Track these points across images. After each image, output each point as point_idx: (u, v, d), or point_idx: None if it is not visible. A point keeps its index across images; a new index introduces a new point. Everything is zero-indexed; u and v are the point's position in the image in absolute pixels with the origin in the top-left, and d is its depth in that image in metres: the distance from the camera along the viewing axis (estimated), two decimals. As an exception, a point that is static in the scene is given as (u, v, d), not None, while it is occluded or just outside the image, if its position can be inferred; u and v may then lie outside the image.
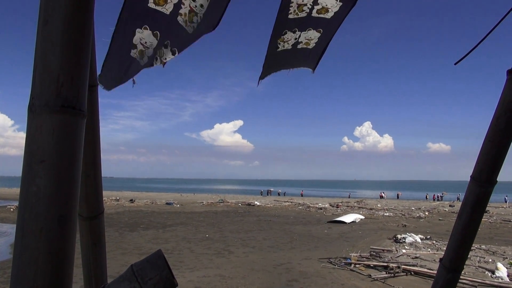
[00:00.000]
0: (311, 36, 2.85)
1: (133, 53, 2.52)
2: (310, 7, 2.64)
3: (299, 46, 2.92)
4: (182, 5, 2.35)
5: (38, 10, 1.22)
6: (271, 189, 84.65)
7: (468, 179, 2.16)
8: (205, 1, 2.36)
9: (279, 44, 2.88)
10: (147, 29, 2.42)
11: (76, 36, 1.15)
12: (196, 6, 2.36)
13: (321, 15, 2.69)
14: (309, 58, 3.00)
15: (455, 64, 2.03)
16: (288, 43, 2.88)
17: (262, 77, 3.04)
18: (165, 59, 2.61)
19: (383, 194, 71.75)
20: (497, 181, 2.10)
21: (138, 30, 2.43)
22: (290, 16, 2.68)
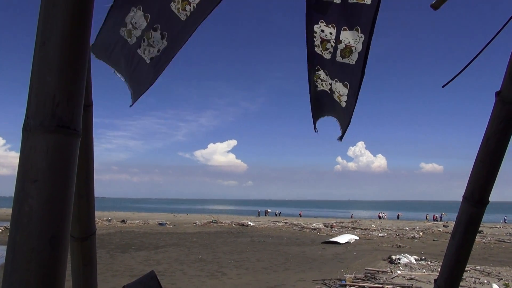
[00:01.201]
0: (340, 91, 2.75)
1: (122, 31, 2.47)
2: (333, 44, 2.59)
3: (335, 97, 2.83)
4: None
5: (36, 31, 1.24)
6: (269, 210, 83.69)
7: (461, 199, 2.18)
8: None
9: (317, 82, 2.85)
10: (140, 10, 2.39)
11: (73, 57, 1.16)
12: None
13: (345, 60, 2.60)
14: (344, 118, 2.85)
15: (443, 86, 2.08)
16: (325, 84, 2.82)
17: (314, 121, 2.99)
18: (153, 42, 2.49)
19: (381, 215, 70.80)
20: (489, 201, 2.11)
21: (132, 8, 2.40)
22: (317, 51, 2.66)
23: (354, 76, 2.59)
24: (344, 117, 2.82)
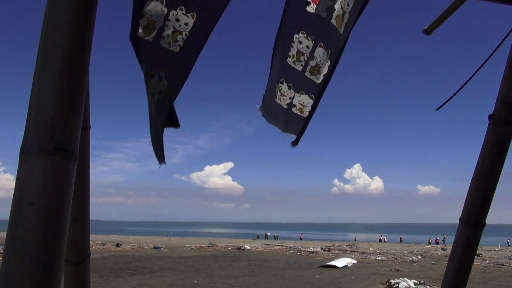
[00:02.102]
0: (305, 102, 2.82)
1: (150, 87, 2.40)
2: (306, 59, 2.66)
3: (294, 110, 2.89)
4: (165, 28, 2.24)
5: (36, 55, 1.27)
6: (268, 233, 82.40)
7: (458, 221, 2.18)
8: (190, 20, 2.25)
9: (277, 93, 2.88)
10: (142, 63, 2.31)
11: (72, 81, 1.18)
12: (180, 26, 2.26)
13: (312, 78, 2.70)
14: (300, 128, 2.93)
15: (437, 109, 2.11)
16: (284, 99, 2.87)
17: (262, 110, 3.03)
18: (154, 88, 2.39)
19: (382, 238, 69.52)
20: (486, 224, 2.11)
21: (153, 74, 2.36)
22: (289, 61, 2.70)
23: (318, 93, 2.73)
24: (303, 125, 2.91)
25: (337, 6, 2.46)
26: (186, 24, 2.25)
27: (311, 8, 2.51)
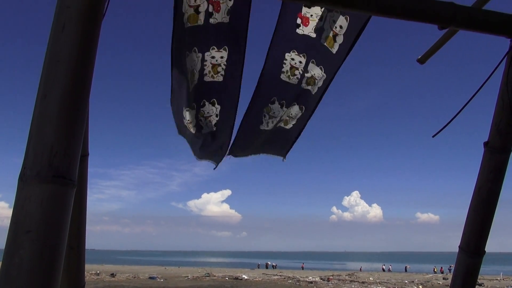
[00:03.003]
0: (293, 114, 2.94)
1: (184, 129, 2.90)
2: (301, 72, 2.77)
3: (279, 125, 2.99)
4: (204, 67, 2.63)
5: (38, 84, 1.29)
6: (268, 262, 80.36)
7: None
8: (224, 53, 2.61)
9: (265, 117, 2.92)
10: (188, 109, 2.79)
11: (72, 110, 1.20)
12: (217, 60, 2.63)
13: (309, 88, 2.82)
14: (283, 141, 3.08)
15: (433, 136, 2.13)
16: (272, 121, 2.93)
17: (231, 154, 3.06)
18: (216, 115, 2.83)
19: (385, 267, 67.41)
20: (485, 251, 2.09)
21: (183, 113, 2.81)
22: (283, 77, 2.78)
23: (312, 102, 2.87)
24: (285, 138, 3.06)
25: (326, 27, 2.58)
26: (222, 57, 2.62)
27: (301, 30, 2.63)
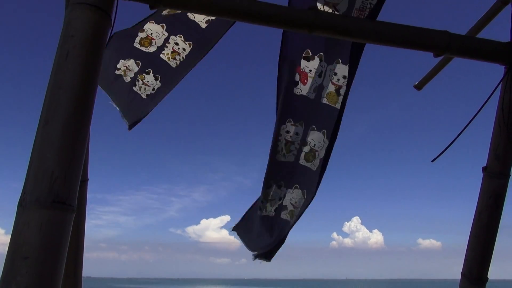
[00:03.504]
0: (296, 202, 2.62)
1: (118, 70, 2.73)
2: (297, 147, 2.56)
3: (282, 215, 2.65)
4: (165, 47, 2.62)
5: (41, 111, 1.31)
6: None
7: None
8: (187, 46, 2.62)
9: (264, 203, 2.65)
10: (130, 59, 2.68)
11: (73, 136, 1.21)
12: (179, 48, 2.63)
13: (308, 165, 2.57)
14: (280, 234, 2.66)
15: (432, 161, 2.14)
16: (269, 206, 2.65)
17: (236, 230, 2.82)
18: (148, 82, 2.75)
19: None
20: (488, 278, 2.06)
21: (121, 60, 2.68)
22: (278, 158, 2.58)
23: (312, 182, 2.51)
24: (283, 231, 2.66)
25: (326, 83, 2.44)
26: (184, 49, 2.64)
27: (298, 90, 2.49)
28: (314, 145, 2.52)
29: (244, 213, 2.86)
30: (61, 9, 1.62)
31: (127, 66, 2.71)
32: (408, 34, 1.85)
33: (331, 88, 2.44)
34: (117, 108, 2.86)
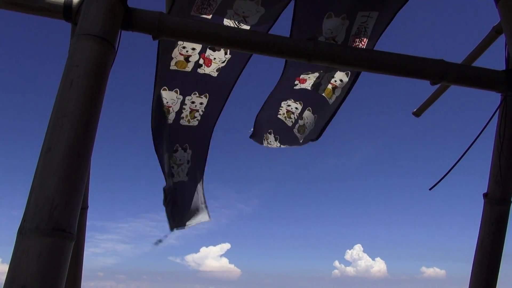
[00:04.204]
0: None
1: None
2: (296, 117, 2.90)
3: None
4: (182, 110, 2.64)
5: (44, 138, 1.33)
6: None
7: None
8: (204, 99, 2.65)
9: (264, 141, 3.06)
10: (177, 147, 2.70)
11: (75, 164, 1.23)
12: (195, 105, 2.66)
13: (298, 135, 2.96)
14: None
15: (430, 189, 2.14)
16: (270, 146, 3.08)
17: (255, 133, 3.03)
18: (188, 161, 2.76)
19: None
20: (494, 308, 2.02)
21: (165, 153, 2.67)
22: (279, 117, 2.93)
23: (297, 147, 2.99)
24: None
25: (324, 81, 2.68)
26: (201, 103, 2.66)
27: (298, 87, 2.76)
28: (306, 122, 2.86)
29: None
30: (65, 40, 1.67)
31: (176, 156, 2.75)
32: (405, 63, 1.89)
33: (327, 85, 2.71)
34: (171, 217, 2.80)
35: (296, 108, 2.89)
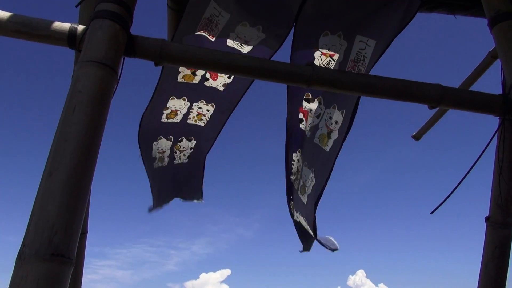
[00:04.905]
0: (303, 223, 2.79)
1: (156, 162, 2.78)
2: (298, 178, 2.76)
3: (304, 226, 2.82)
4: (190, 113, 2.71)
5: (45, 163, 1.34)
6: None
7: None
8: (210, 107, 2.73)
9: (292, 210, 2.90)
10: (162, 139, 2.72)
11: (76, 188, 1.23)
12: (202, 111, 2.74)
13: (301, 196, 2.73)
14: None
15: (431, 213, 2.12)
16: (293, 214, 2.89)
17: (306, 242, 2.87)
18: (183, 147, 2.83)
19: None
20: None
21: (154, 143, 2.70)
22: (292, 178, 2.86)
23: (306, 216, 2.65)
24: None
25: (321, 125, 2.58)
26: (208, 110, 2.75)
27: (303, 125, 2.72)
28: (306, 180, 2.65)
29: None
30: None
31: (161, 149, 2.80)
32: (403, 87, 1.91)
33: (324, 130, 2.56)
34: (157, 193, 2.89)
35: (298, 160, 2.80)
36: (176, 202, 3.03)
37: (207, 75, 2.55)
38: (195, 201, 3.07)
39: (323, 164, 2.48)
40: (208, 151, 2.96)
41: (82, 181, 1.25)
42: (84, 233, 2.02)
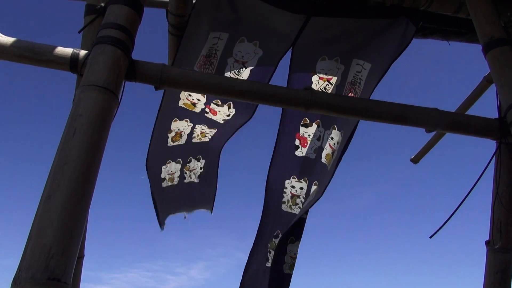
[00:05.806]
0: (295, 253, 2.65)
1: (164, 182, 2.75)
2: (303, 200, 2.64)
3: (284, 270, 2.63)
4: (194, 132, 2.70)
5: (44, 186, 1.34)
6: None
7: None
8: (213, 130, 2.73)
9: (269, 253, 2.66)
10: (170, 162, 2.71)
11: (74, 212, 1.23)
12: (205, 131, 2.74)
13: (304, 216, 2.64)
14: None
15: (431, 237, 2.11)
16: (271, 256, 2.65)
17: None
18: (193, 167, 2.83)
19: None
20: None
21: (163, 167, 2.68)
22: (284, 208, 2.64)
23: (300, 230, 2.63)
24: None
25: (325, 145, 2.58)
26: (210, 132, 2.75)
27: (300, 152, 2.63)
28: (312, 199, 2.58)
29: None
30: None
31: (171, 171, 2.79)
32: (400, 111, 1.94)
33: (328, 150, 2.59)
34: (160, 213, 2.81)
35: (301, 188, 2.66)
36: (173, 225, 2.99)
37: (207, 109, 2.58)
38: (203, 210, 3.00)
39: (324, 182, 2.50)
40: (218, 164, 2.92)
41: (80, 205, 1.25)
42: (80, 257, 2.00)
